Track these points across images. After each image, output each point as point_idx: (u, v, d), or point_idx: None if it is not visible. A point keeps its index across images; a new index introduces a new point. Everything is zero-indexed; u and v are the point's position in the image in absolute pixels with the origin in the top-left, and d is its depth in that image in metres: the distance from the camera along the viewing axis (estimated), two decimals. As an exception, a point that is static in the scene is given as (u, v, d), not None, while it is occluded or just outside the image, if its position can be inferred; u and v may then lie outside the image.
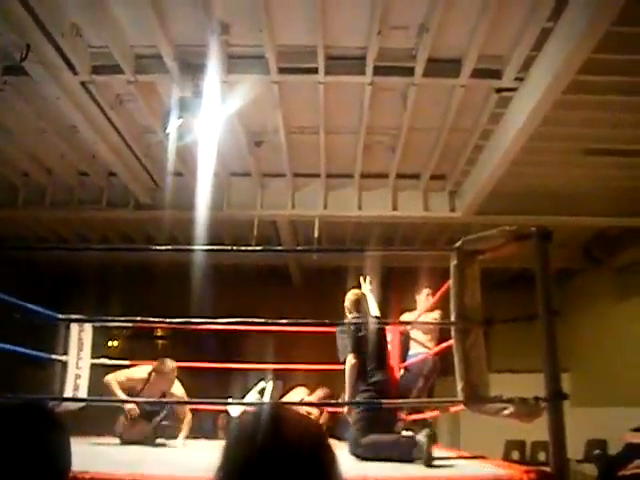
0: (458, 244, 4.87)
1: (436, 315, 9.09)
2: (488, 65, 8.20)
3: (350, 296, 7.86)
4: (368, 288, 8.88)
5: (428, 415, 8.42)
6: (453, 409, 6.36)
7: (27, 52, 7.27)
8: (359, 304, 7.70)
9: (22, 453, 1.86)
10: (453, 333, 4.75)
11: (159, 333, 17.06)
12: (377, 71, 8.19)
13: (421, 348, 9.14)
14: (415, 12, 7.37)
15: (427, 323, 9.19)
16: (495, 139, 9.63)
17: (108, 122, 9.48)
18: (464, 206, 11.67)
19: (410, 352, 9.28)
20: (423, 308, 9.34)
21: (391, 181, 11.66)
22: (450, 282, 4.97)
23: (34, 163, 11.61)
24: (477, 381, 4.46)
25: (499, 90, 8.61)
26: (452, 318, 4.74)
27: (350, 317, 7.56)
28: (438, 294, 7.38)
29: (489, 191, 10.75)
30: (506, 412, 4.29)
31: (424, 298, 9.60)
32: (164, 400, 8.50)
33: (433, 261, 13.22)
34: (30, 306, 7.35)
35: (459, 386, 4.57)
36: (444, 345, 6.62)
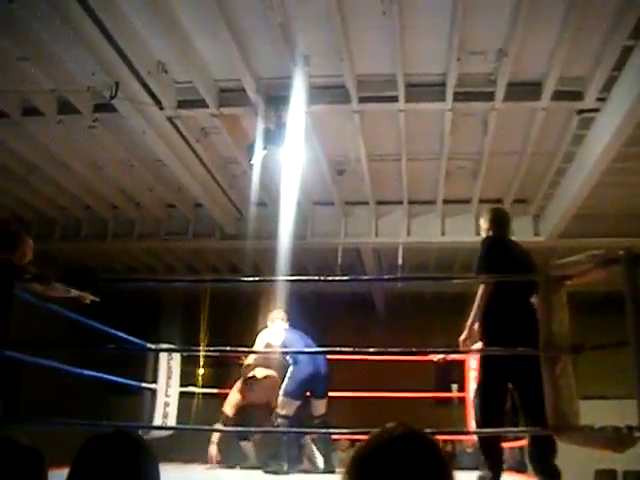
0: (544, 270, 4.81)
1: None
2: (569, 87, 8.12)
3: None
4: None
5: (517, 444, 8.27)
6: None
7: (116, 90, 7.54)
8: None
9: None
10: (541, 360, 4.68)
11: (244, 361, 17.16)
12: (457, 97, 8.20)
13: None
14: (493, 37, 7.37)
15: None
16: (578, 161, 9.50)
17: (193, 154, 9.72)
18: (548, 230, 11.51)
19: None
20: None
21: (474, 206, 11.57)
22: (537, 309, 4.91)
23: (123, 196, 11.95)
24: (566, 409, 4.38)
25: (581, 111, 8.51)
26: (540, 345, 4.68)
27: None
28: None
29: (573, 214, 10.59)
30: (597, 442, 4.21)
31: None
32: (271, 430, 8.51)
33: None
34: (121, 335, 7.55)
35: (548, 415, 4.50)
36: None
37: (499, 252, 5.48)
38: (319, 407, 7.74)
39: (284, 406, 7.52)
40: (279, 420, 7.45)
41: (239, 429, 7.34)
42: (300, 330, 8.07)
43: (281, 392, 7.58)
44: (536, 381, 4.88)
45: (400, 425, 1.70)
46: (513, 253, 5.59)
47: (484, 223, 5.91)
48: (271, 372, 8.29)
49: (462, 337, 5.41)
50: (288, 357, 7.83)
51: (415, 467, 1.58)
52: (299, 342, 7.77)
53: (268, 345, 7.86)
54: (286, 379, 7.62)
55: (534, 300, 5.54)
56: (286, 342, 7.78)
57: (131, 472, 1.96)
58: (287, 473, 7.22)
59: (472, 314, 5.38)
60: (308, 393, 7.75)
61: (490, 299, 5.28)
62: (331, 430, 7.78)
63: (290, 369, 7.64)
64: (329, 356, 8.14)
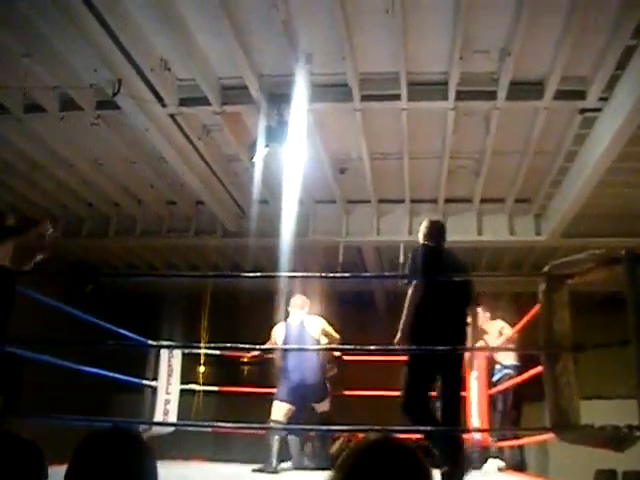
0: (546, 269, 4.82)
1: (499, 325, 8.95)
2: (571, 86, 8.11)
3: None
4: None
5: (517, 442, 8.29)
6: (542, 436, 6.22)
7: (119, 87, 7.53)
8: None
9: (111, 477, 1.94)
10: (543, 359, 4.69)
11: (245, 359, 17.16)
12: (459, 96, 8.19)
13: (505, 369, 8.91)
14: (496, 36, 7.37)
15: (512, 349, 8.99)
16: (580, 161, 9.49)
17: (195, 152, 9.72)
18: (550, 229, 11.49)
19: (495, 377, 9.04)
20: (491, 326, 9.10)
21: (476, 205, 11.58)
22: (538, 307, 4.92)
23: (125, 193, 11.96)
24: (567, 408, 4.39)
25: (583, 111, 8.50)
26: (541, 344, 4.69)
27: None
28: (525, 319, 7.29)
29: (575, 213, 10.58)
30: (597, 441, 4.21)
31: (481, 316, 9.21)
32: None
33: (518, 286, 13.07)
34: (123, 332, 7.57)
35: (548, 413, 4.51)
36: (533, 372, 6.51)
37: (434, 257, 5.82)
38: (319, 407, 7.77)
39: (275, 411, 7.56)
40: (272, 425, 7.51)
41: (235, 425, 7.36)
42: (316, 319, 8.07)
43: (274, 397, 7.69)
44: (457, 375, 5.66)
45: (378, 433, 1.86)
46: (447, 261, 5.96)
47: (421, 231, 6.17)
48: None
49: (396, 339, 5.65)
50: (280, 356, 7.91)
51: (391, 467, 1.69)
52: (294, 341, 7.78)
53: (273, 338, 8.02)
54: (278, 384, 7.75)
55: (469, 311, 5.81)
56: (285, 342, 7.82)
57: (128, 468, 1.98)
58: (276, 472, 7.22)
59: (404, 315, 5.68)
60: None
61: (421, 301, 5.61)
62: (315, 427, 7.84)
63: (281, 373, 7.71)
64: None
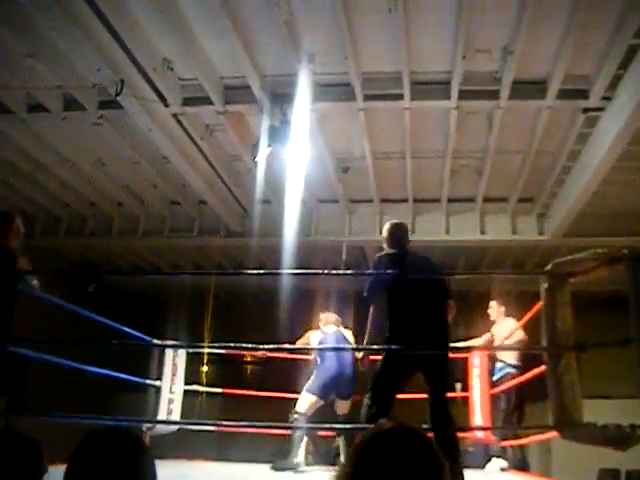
0: (548, 267, 4.81)
1: (511, 323, 8.88)
2: (574, 85, 8.12)
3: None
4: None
5: (522, 441, 8.26)
6: (545, 435, 6.20)
7: (122, 87, 7.55)
8: None
9: (109, 476, 1.95)
10: (545, 358, 4.69)
11: (249, 359, 17.17)
12: (462, 95, 8.19)
13: (507, 368, 8.85)
14: (499, 35, 7.37)
15: (514, 348, 8.94)
16: (583, 160, 9.48)
17: (198, 152, 9.73)
18: (553, 228, 11.49)
19: (496, 376, 8.98)
20: (503, 322, 9.06)
21: (478, 205, 11.58)
22: (540, 306, 4.91)
23: (128, 193, 11.97)
24: (570, 407, 4.39)
25: (586, 110, 8.50)
26: (543, 343, 4.68)
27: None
28: (527, 317, 7.27)
29: (578, 213, 10.56)
30: (600, 440, 4.21)
31: (496, 309, 9.19)
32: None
33: (522, 285, 13.03)
34: (127, 330, 7.56)
35: (551, 411, 4.51)
36: (536, 371, 6.50)
37: (395, 266, 5.62)
38: (342, 407, 7.75)
39: (303, 403, 7.52)
40: (295, 416, 7.45)
41: (239, 423, 7.35)
42: (348, 331, 8.11)
43: (304, 388, 7.63)
44: (441, 373, 5.33)
45: (391, 421, 1.78)
46: (411, 264, 5.76)
47: (383, 235, 6.05)
48: None
49: (360, 355, 5.76)
50: (317, 356, 7.90)
51: (404, 455, 1.64)
52: (331, 344, 7.81)
53: (306, 340, 8.09)
54: (312, 377, 7.68)
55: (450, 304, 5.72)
56: (321, 343, 7.86)
57: (126, 467, 1.99)
58: (296, 469, 7.20)
59: (367, 335, 5.64)
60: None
61: (388, 309, 5.51)
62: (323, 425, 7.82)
63: (316, 368, 7.69)
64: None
